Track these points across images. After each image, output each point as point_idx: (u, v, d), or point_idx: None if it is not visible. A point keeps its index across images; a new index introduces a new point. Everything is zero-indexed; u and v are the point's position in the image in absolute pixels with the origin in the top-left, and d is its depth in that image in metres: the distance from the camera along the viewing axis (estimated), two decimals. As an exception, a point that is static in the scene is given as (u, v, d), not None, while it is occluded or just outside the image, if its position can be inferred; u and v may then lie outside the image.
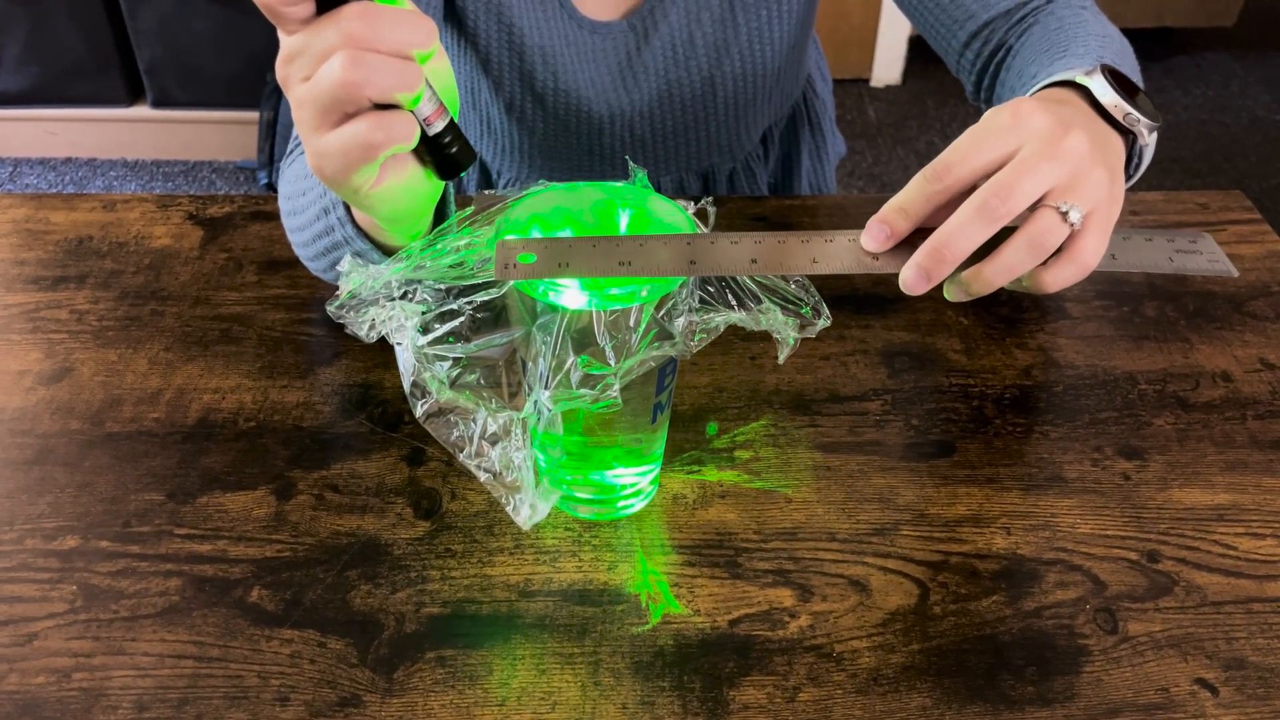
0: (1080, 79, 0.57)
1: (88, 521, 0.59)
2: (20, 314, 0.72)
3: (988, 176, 0.49)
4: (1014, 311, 0.73)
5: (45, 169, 2.32)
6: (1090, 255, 0.50)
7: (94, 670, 0.52)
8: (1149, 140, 0.59)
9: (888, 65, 2.59)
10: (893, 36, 2.53)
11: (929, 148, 2.33)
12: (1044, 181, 0.48)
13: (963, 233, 0.48)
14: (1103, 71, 0.56)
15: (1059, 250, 0.50)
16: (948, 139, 2.35)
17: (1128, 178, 0.62)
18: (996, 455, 0.63)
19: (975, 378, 0.68)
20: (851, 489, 0.61)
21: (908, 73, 2.61)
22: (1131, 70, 0.68)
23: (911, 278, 0.49)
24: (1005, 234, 0.49)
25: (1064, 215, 0.48)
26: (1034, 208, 0.49)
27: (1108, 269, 0.53)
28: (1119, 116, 0.56)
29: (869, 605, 0.55)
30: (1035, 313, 0.73)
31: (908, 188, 0.50)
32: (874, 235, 0.49)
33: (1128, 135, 0.57)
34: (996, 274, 0.49)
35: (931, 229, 0.49)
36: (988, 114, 0.51)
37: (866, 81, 2.61)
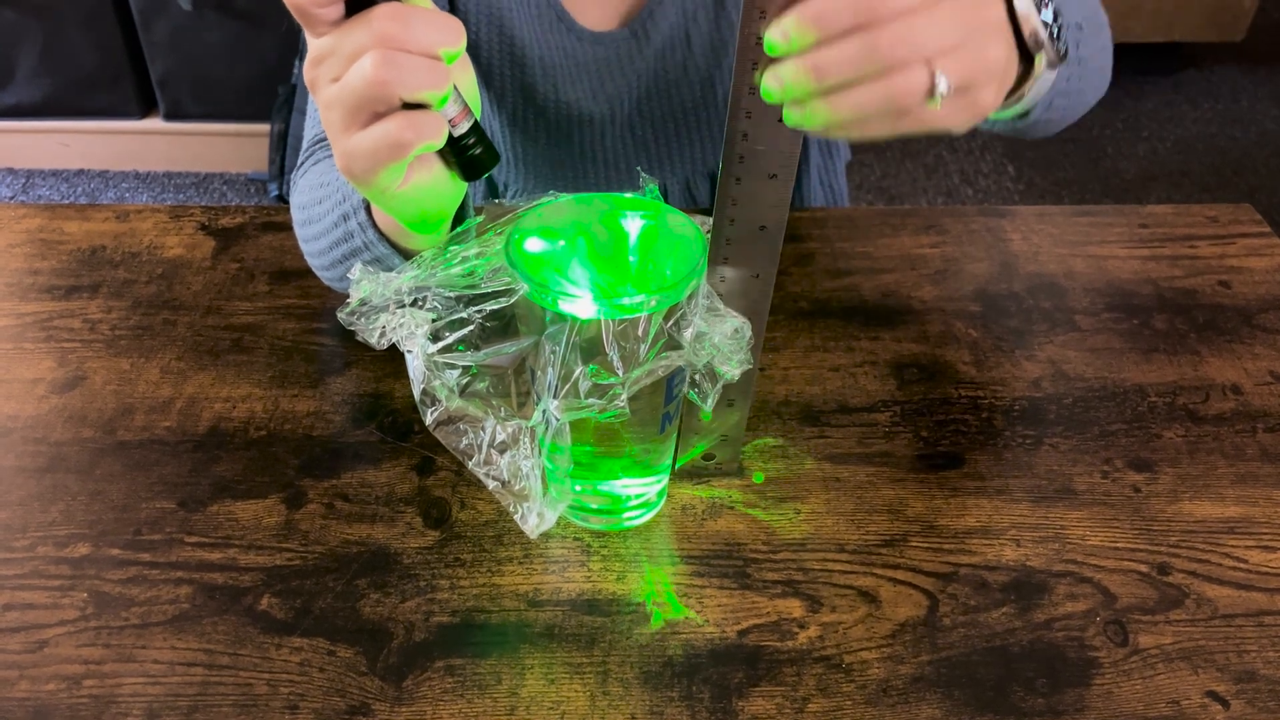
0: None
1: (99, 529, 0.59)
2: (34, 323, 0.73)
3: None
4: (1023, 323, 0.73)
5: (58, 180, 2.33)
6: (959, 123, 0.46)
7: (104, 677, 0.52)
8: (1042, 73, 0.53)
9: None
10: (901, 50, 2.53)
11: (937, 160, 2.33)
12: (938, 38, 0.43)
13: (838, 64, 0.43)
14: None
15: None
16: (955, 152, 2.36)
17: (1008, 99, 0.55)
18: (1006, 467, 0.63)
19: (984, 389, 0.68)
20: (860, 500, 0.60)
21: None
22: (1086, 19, 0.62)
23: (769, 84, 0.45)
24: None
25: (933, 84, 0.44)
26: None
27: None
28: (1025, 30, 0.50)
29: (878, 616, 0.55)
30: (1044, 324, 0.73)
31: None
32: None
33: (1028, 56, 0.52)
34: (832, 109, 0.45)
35: None
36: None
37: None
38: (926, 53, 0.43)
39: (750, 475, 0.62)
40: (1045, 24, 0.51)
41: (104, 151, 2.35)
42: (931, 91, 0.44)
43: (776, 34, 0.44)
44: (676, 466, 0.60)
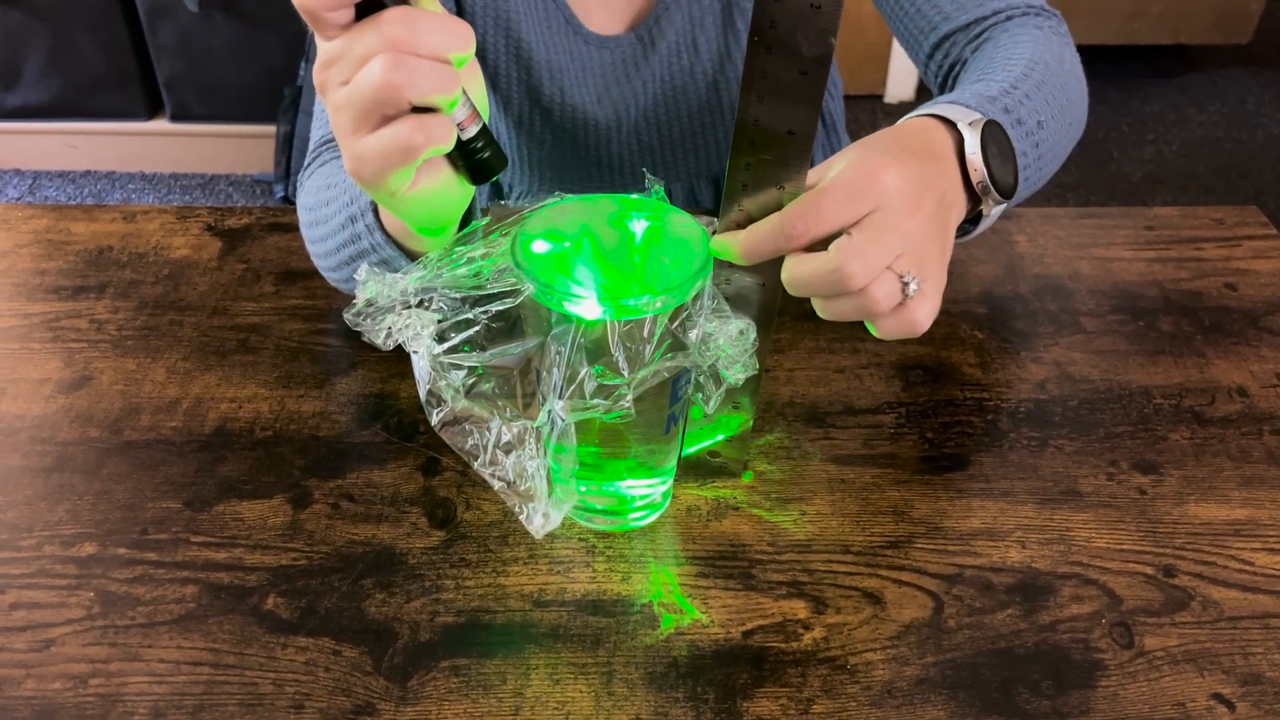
0: (963, 127, 0.56)
1: (105, 529, 0.59)
2: (41, 323, 0.73)
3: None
4: (1028, 325, 0.73)
5: (65, 181, 2.34)
6: (924, 318, 0.51)
7: (110, 676, 0.52)
8: (992, 213, 0.59)
9: (901, 81, 2.60)
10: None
11: (943, 163, 2.33)
12: (889, 253, 0.49)
13: (810, 283, 0.50)
14: (987, 129, 0.56)
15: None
16: (962, 155, 2.36)
17: (963, 234, 0.61)
18: (1011, 469, 0.63)
19: (990, 391, 0.68)
20: (866, 501, 0.60)
21: (921, 89, 2.61)
22: (1049, 101, 0.65)
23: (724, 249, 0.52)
24: None
25: (904, 285, 0.50)
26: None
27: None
28: (974, 180, 0.56)
29: (883, 618, 0.55)
30: (1050, 326, 0.73)
31: (761, 235, 0.50)
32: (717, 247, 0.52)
33: (977, 196, 0.57)
34: (823, 313, 0.52)
35: None
36: (852, 164, 0.51)
37: (880, 98, 2.61)
38: (885, 263, 0.49)
39: (752, 474, 0.62)
40: (992, 171, 0.56)
41: (110, 153, 2.36)
42: (904, 291, 0.50)
43: (715, 245, 0.52)
44: (684, 454, 0.60)
